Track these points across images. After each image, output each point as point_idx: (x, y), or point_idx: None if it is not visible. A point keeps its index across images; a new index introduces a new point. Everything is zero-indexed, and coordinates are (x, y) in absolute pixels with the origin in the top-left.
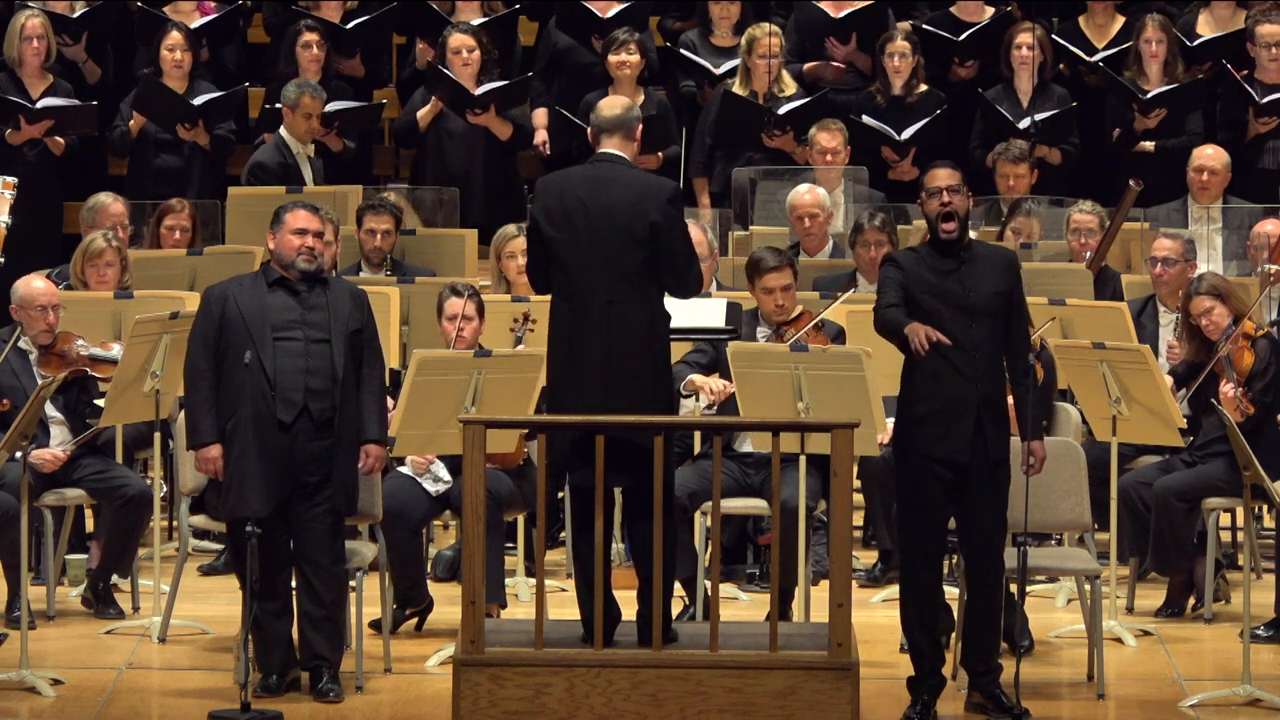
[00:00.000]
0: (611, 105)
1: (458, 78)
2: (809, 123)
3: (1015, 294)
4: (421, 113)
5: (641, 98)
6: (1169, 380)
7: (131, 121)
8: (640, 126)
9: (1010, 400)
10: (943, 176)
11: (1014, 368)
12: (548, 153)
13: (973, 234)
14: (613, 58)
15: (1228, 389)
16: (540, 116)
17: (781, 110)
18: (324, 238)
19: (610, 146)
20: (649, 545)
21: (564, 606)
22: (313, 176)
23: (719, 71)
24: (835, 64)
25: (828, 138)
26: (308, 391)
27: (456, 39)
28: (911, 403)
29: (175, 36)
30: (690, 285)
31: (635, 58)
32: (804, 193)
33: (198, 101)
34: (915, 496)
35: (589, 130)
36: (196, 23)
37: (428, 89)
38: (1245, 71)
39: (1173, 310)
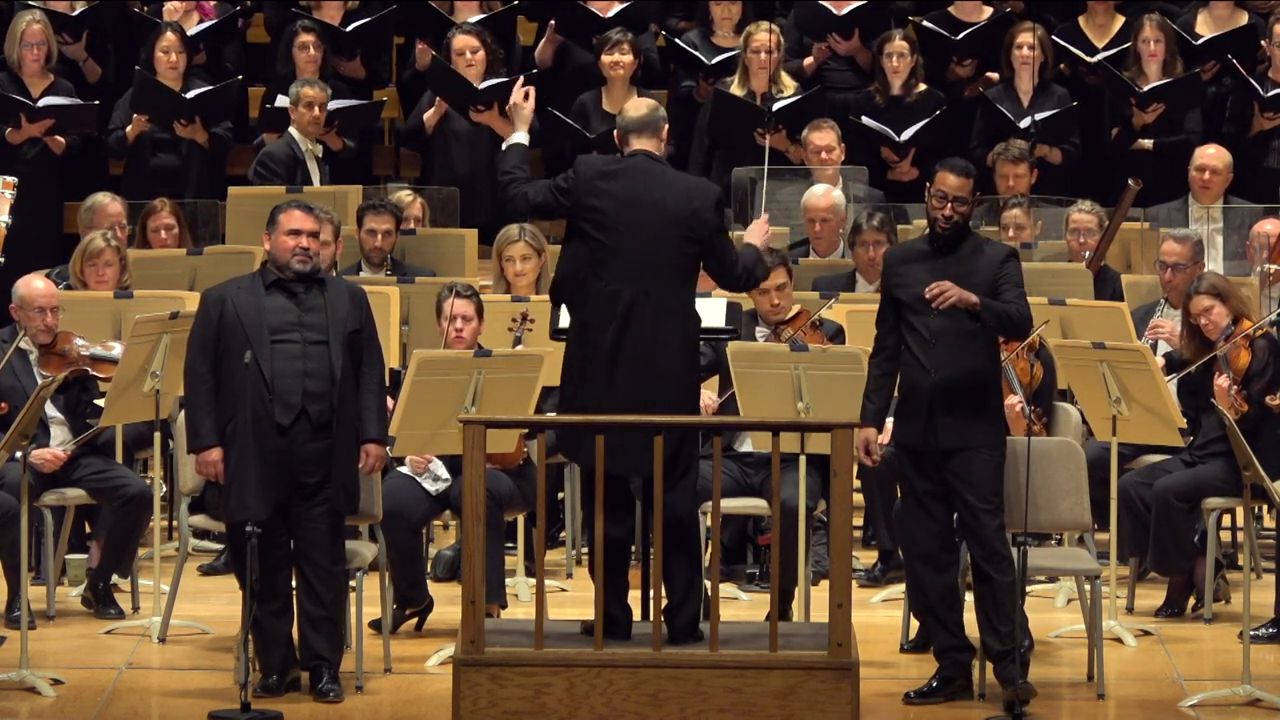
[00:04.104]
0: (637, 106)
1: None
2: (804, 121)
3: (999, 285)
4: (427, 115)
5: (635, 99)
6: (1161, 361)
7: (129, 128)
8: (666, 126)
9: (976, 390)
10: (951, 184)
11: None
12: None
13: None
14: (605, 58)
15: (1223, 384)
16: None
17: (775, 108)
18: (319, 238)
19: (641, 146)
20: (671, 543)
21: (564, 606)
22: (319, 177)
23: (712, 63)
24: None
25: (820, 136)
26: (305, 394)
27: (461, 40)
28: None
29: (169, 38)
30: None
31: (628, 58)
32: (819, 195)
33: (191, 95)
34: (903, 483)
35: (615, 132)
36: (195, 28)
37: (431, 87)
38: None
39: (1177, 309)
